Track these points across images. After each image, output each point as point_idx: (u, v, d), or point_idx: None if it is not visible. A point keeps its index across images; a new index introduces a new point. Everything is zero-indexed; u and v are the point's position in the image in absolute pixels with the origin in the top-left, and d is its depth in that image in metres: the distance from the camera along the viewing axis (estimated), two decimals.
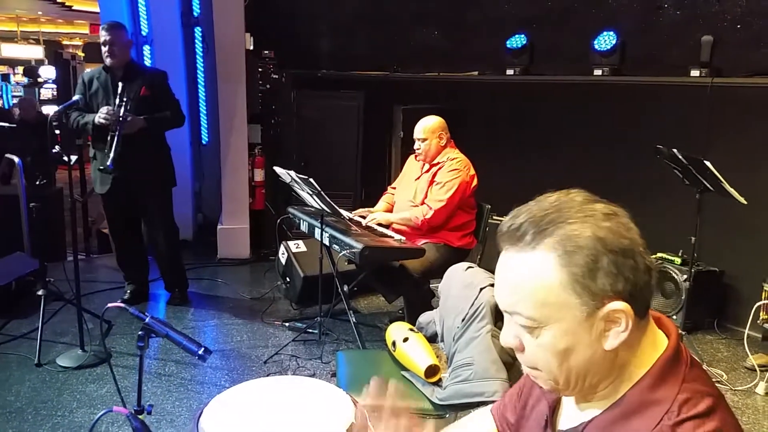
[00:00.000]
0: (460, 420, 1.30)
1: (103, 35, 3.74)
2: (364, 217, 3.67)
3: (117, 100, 3.64)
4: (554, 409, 1.02)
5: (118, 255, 4.19)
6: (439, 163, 3.55)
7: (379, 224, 3.56)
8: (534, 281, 0.84)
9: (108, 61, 3.77)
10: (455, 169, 3.47)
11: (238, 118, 5.06)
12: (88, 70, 3.87)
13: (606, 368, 0.87)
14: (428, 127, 3.56)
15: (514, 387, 1.17)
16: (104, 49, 3.76)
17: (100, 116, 3.63)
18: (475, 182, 3.51)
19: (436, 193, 3.46)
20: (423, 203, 3.51)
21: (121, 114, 3.61)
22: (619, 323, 0.84)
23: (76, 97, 3.74)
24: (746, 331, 3.57)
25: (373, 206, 3.92)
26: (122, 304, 1.75)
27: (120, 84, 3.66)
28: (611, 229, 0.83)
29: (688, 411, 0.82)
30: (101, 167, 3.70)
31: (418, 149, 3.61)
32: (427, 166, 3.61)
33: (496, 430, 1.18)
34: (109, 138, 3.63)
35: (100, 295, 4.37)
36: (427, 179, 3.57)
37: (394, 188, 3.92)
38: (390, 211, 3.81)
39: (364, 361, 2.54)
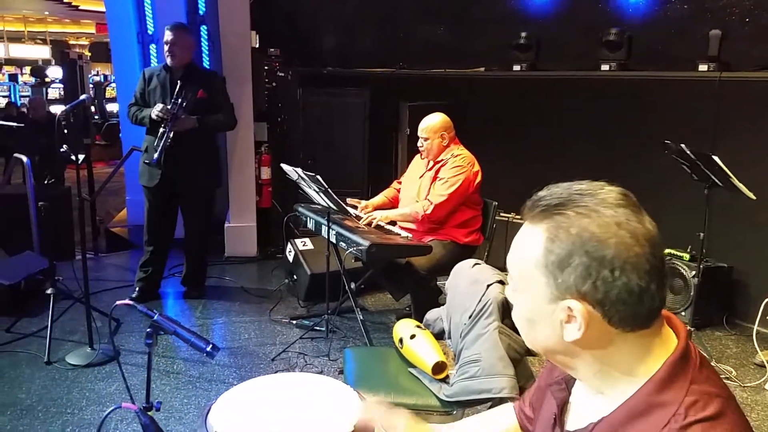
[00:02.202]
0: (484, 411, 1.32)
1: (167, 35, 3.88)
2: (355, 207, 3.67)
3: (173, 99, 3.79)
4: (562, 408, 1.02)
5: (147, 245, 4.26)
6: (442, 160, 3.55)
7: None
8: (522, 250, 0.91)
9: (168, 60, 3.91)
10: (458, 165, 3.47)
11: (245, 116, 5.06)
12: (149, 66, 4.15)
13: (572, 356, 0.91)
14: (430, 126, 3.56)
15: (532, 387, 1.18)
16: (165, 48, 3.90)
17: (156, 112, 3.79)
18: (479, 179, 3.51)
19: (438, 188, 3.47)
20: (426, 199, 3.52)
21: (174, 112, 3.76)
22: (577, 320, 0.86)
23: (83, 97, 3.79)
24: (755, 327, 3.55)
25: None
26: (130, 302, 1.76)
27: (178, 82, 3.81)
28: (598, 235, 0.82)
29: (696, 414, 0.81)
30: (147, 160, 3.89)
31: (421, 147, 3.61)
32: (431, 164, 3.61)
33: (516, 422, 1.21)
34: (159, 133, 3.79)
35: (109, 293, 4.39)
36: (430, 176, 3.57)
37: (400, 183, 3.92)
38: (389, 204, 3.81)
39: (372, 358, 2.54)
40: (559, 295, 0.86)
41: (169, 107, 3.77)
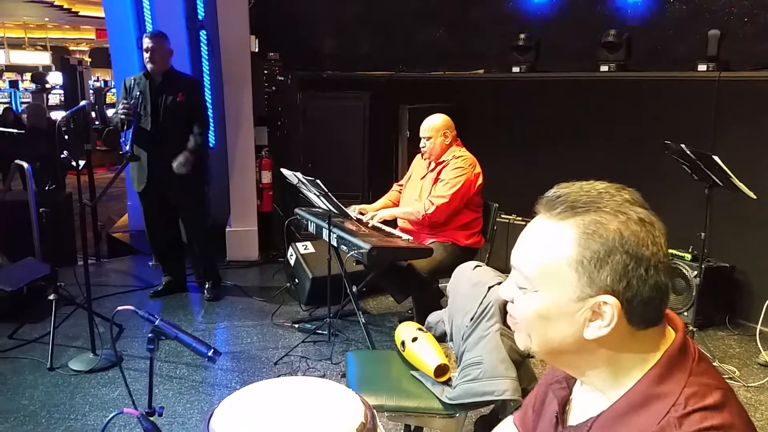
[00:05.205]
0: None
1: (146, 43, 4.02)
2: (362, 213, 3.68)
3: (131, 94, 3.97)
4: (564, 406, 1.02)
5: (153, 248, 4.46)
6: (444, 161, 3.55)
7: (384, 221, 3.58)
8: (547, 246, 0.88)
9: (149, 66, 4.05)
10: (460, 167, 3.47)
11: (245, 121, 5.08)
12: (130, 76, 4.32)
13: (582, 354, 0.90)
14: (433, 125, 3.56)
15: (531, 393, 1.18)
16: (146, 55, 4.03)
17: (119, 111, 3.94)
18: (480, 181, 3.51)
19: (439, 189, 3.47)
20: (427, 199, 3.52)
21: (132, 102, 3.92)
22: (604, 317, 0.85)
23: (83, 103, 3.84)
24: (758, 326, 3.55)
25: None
26: (131, 307, 1.76)
27: (147, 84, 4.02)
28: (637, 233, 0.84)
29: (695, 404, 0.82)
30: (121, 152, 4.03)
31: (423, 147, 3.62)
32: (432, 165, 3.62)
33: None
34: (126, 127, 3.95)
35: (111, 299, 4.40)
36: (432, 178, 3.58)
37: (401, 185, 3.93)
38: (391, 207, 3.81)
39: (374, 361, 2.54)
40: (591, 292, 0.85)
41: (126, 101, 3.93)
